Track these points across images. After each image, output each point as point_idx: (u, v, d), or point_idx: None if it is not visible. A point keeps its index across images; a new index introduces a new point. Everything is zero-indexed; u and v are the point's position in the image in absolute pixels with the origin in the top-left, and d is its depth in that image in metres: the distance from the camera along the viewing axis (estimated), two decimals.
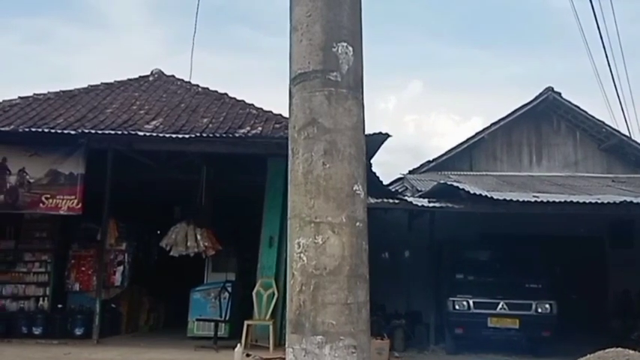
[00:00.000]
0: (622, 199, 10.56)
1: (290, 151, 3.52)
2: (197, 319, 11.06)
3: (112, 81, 13.60)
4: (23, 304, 11.49)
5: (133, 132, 10.24)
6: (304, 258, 3.24)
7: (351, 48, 3.60)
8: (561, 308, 10.86)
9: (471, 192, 10.60)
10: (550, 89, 16.40)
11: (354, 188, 3.39)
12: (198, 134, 10.12)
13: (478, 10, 55.87)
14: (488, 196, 10.41)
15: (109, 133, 10.18)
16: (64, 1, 51.47)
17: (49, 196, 10.31)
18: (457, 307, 10.91)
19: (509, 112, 16.59)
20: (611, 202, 10.43)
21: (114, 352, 9.60)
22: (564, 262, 12.57)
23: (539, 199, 10.51)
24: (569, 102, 16.55)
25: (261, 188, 10.97)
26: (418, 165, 16.68)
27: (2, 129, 10.26)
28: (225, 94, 12.91)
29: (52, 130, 10.15)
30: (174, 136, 10.08)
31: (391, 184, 15.10)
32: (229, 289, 11.08)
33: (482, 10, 55.91)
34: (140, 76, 14.06)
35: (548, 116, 16.78)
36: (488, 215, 11.28)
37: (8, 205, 10.35)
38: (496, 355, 10.57)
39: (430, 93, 59.10)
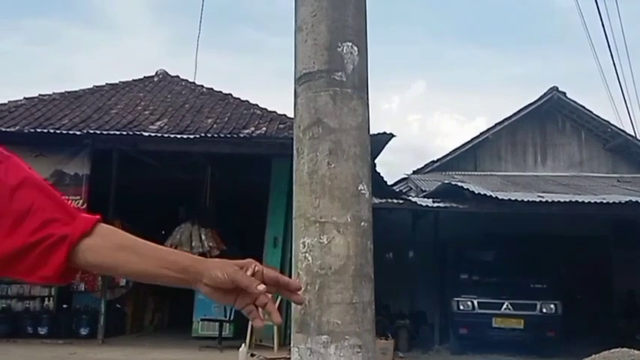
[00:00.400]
0: (627, 199, 10.53)
1: (295, 151, 3.52)
2: (201, 319, 11.06)
3: (116, 82, 13.63)
4: (29, 304, 11.51)
5: (137, 132, 10.26)
6: (309, 257, 3.24)
7: (356, 48, 3.60)
8: (566, 308, 10.83)
9: (476, 192, 10.59)
10: (555, 89, 16.36)
11: (359, 188, 3.40)
12: (202, 135, 10.13)
13: (482, 10, 55.81)
14: (493, 196, 10.40)
15: (114, 134, 10.21)
16: (69, 3, 51.64)
17: None
18: (461, 307, 10.90)
19: (513, 111, 16.56)
20: (616, 202, 10.41)
21: (119, 352, 9.61)
22: (569, 262, 12.53)
23: (544, 199, 10.50)
24: (574, 102, 16.51)
25: (265, 188, 10.98)
26: (422, 165, 16.67)
27: (8, 130, 10.29)
28: (230, 94, 12.93)
29: (58, 131, 10.18)
30: (178, 136, 10.10)
31: (395, 184, 15.09)
32: None
33: (486, 10, 55.83)
34: (145, 77, 14.09)
35: (552, 116, 16.73)
36: (492, 215, 11.27)
37: None
38: (501, 355, 10.54)
39: (434, 93, 59.09)
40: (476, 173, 15.90)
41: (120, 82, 13.66)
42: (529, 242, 11.89)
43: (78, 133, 10.16)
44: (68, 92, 12.75)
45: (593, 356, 6.11)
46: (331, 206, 3.30)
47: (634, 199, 10.45)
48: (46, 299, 11.60)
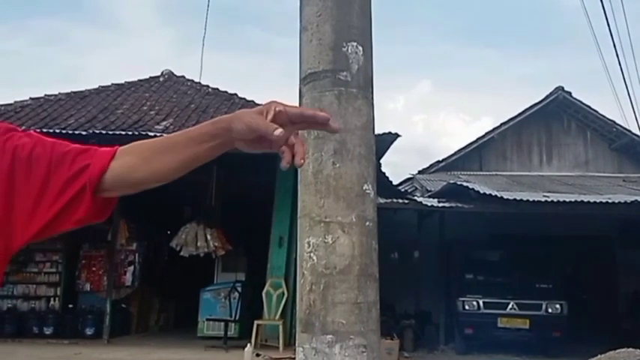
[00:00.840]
0: (633, 198, 10.50)
1: None
2: (207, 319, 11.08)
3: (122, 82, 13.66)
4: (34, 304, 11.55)
5: (143, 132, 10.28)
6: (314, 257, 3.24)
7: (360, 48, 3.60)
8: (572, 308, 10.81)
9: (481, 192, 10.58)
10: (560, 88, 16.32)
11: (364, 188, 3.40)
12: None
13: (488, 10, 55.70)
14: (498, 195, 10.38)
15: (120, 134, 10.23)
16: (76, 3, 51.78)
17: None
18: (467, 307, 10.88)
19: (519, 111, 16.53)
20: (622, 201, 10.37)
21: (124, 352, 9.64)
22: (574, 262, 12.50)
23: (549, 199, 10.48)
24: (580, 101, 16.46)
25: (271, 188, 10.99)
26: (428, 165, 16.66)
27: None
28: (235, 94, 12.95)
29: (64, 131, 10.21)
30: None
31: (401, 184, 15.09)
32: (239, 289, 11.10)
33: (491, 9, 55.74)
34: (150, 77, 14.11)
35: (558, 116, 16.69)
36: (498, 215, 11.25)
37: None
38: (506, 355, 10.52)
39: (439, 93, 59.01)
40: (481, 173, 15.87)
41: (125, 82, 13.68)
42: (535, 242, 11.87)
43: (84, 133, 10.18)
44: (74, 92, 12.78)
45: (599, 356, 6.10)
46: (336, 206, 3.30)
47: None
48: (52, 299, 11.65)
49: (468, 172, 15.63)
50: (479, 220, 11.80)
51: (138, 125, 10.86)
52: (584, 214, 11.03)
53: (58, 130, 10.22)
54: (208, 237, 11.01)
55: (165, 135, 1.13)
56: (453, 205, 10.90)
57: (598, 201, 10.43)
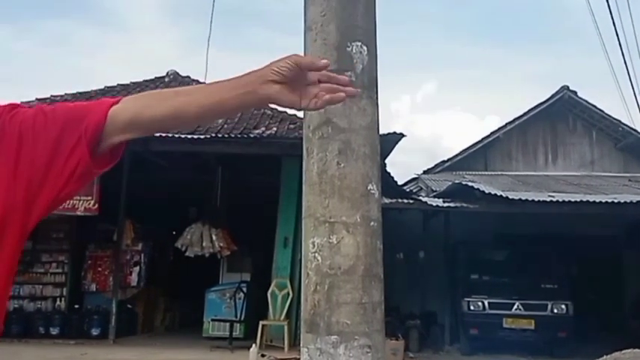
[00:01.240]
0: (639, 198, 10.46)
1: (305, 151, 3.52)
2: (212, 320, 11.09)
3: (128, 82, 13.68)
4: (40, 304, 11.58)
5: None
6: (319, 257, 3.24)
7: (365, 47, 3.60)
8: (577, 309, 10.78)
9: (486, 192, 10.56)
10: (565, 88, 16.29)
11: (369, 188, 3.40)
12: (213, 135, 10.16)
13: (493, 9, 55.59)
14: (504, 195, 10.36)
15: None
16: (83, 5, 51.90)
17: None
18: (472, 307, 10.86)
19: (524, 111, 16.50)
20: (628, 201, 10.34)
21: (130, 352, 9.65)
22: (580, 262, 12.46)
23: (554, 199, 10.45)
24: (585, 101, 16.42)
25: (275, 188, 10.99)
26: (433, 165, 16.64)
27: None
28: None
29: None
30: (189, 136, 10.13)
31: (406, 184, 15.07)
32: (244, 289, 11.11)
33: (497, 8, 55.61)
34: (156, 77, 14.12)
35: (563, 115, 16.65)
36: (503, 215, 11.24)
37: None
38: (511, 355, 10.50)
39: (445, 92, 58.86)
40: (486, 173, 15.85)
41: (131, 82, 13.70)
42: (540, 242, 11.83)
43: None
44: (80, 93, 12.80)
45: (605, 357, 6.08)
46: (341, 206, 3.30)
47: None
48: (58, 299, 11.69)
49: (473, 172, 15.60)
50: (484, 220, 11.78)
51: None
52: (589, 214, 11.00)
53: None
54: (213, 237, 11.02)
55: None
56: (458, 205, 10.89)
57: (604, 201, 10.41)
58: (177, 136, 10.17)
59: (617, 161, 16.68)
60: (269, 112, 11.79)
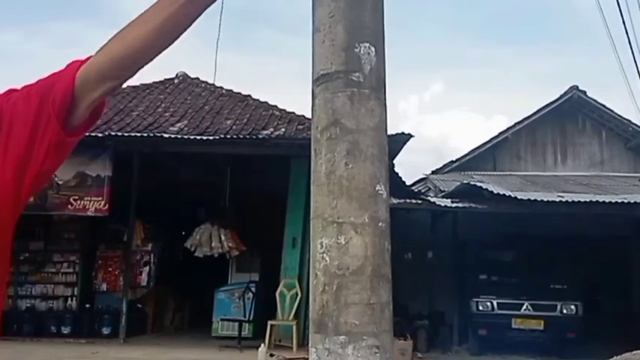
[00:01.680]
0: None
1: (313, 152, 3.54)
2: (221, 319, 11.15)
3: (137, 84, 13.77)
4: (52, 303, 11.68)
5: (158, 134, 10.37)
6: (327, 258, 3.26)
7: (373, 48, 3.61)
8: (587, 309, 10.74)
9: (495, 192, 10.55)
10: (575, 88, 16.24)
11: (377, 188, 3.41)
12: (222, 136, 10.21)
13: (500, 9, 55.41)
14: (512, 196, 10.35)
15: (135, 136, 10.32)
16: (94, 7, 52.18)
17: (77, 197, 10.47)
18: (481, 307, 10.85)
19: (533, 111, 16.46)
20: (638, 201, 10.29)
21: (140, 351, 9.72)
22: (589, 262, 12.42)
23: (564, 199, 10.43)
24: (595, 100, 16.36)
25: (284, 189, 11.03)
26: (441, 165, 16.63)
27: None
28: (249, 95, 13.01)
29: None
30: (198, 137, 10.19)
31: (414, 184, 15.07)
32: (253, 289, 11.16)
33: (504, 8, 55.43)
34: (165, 79, 14.22)
35: (573, 115, 16.59)
36: (512, 215, 11.22)
37: (37, 207, 10.52)
38: (520, 356, 10.49)
39: (453, 92, 58.73)
40: (495, 173, 15.82)
41: (141, 84, 13.79)
42: (549, 242, 11.80)
43: (100, 135, 10.28)
44: None
45: (615, 358, 6.07)
46: (349, 207, 3.31)
47: None
48: (69, 299, 11.78)
49: (482, 172, 15.58)
50: (493, 221, 11.76)
51: (153, 127, 10.95)
52: (599, 215, 10.97)
53: None
54: (222, 238, 11.08)
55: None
56: (467, 205, 10.88)
57: (613, 201, 10.37)
58: (186, 137, 10.24)
59: (627, 161, 16.61)
60: (277, 112, 11.83)
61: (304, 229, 10.40)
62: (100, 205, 10.42)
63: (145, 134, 10.35)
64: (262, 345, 8.79)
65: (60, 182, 10.52)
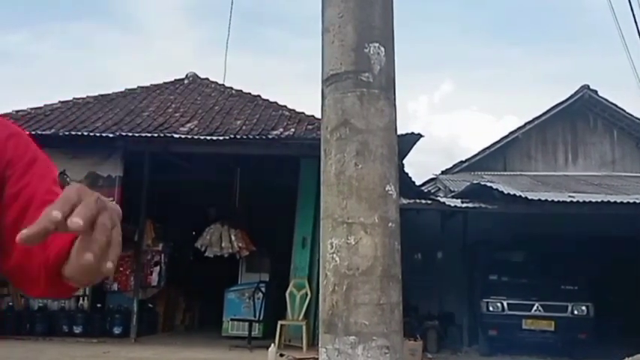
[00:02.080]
0: None
1: (322, 152, 3.55)
2: (231, 319, 11.16)
3: (148, 84, 13.84)
4: (64, 303, 11.70)
5: (168, 135, 10.41)
6: (337, 258, 3.26)
7: (382, 48, 3.61)
8: (598, 310, 10.68)
9: (505, 192, 10.51)
10: (586, 87, 16.14)
11: (387, 189, 3.41)
12: (232, 136, 10.23)
13: (510, 8, 55.19)
14: (523, 196, 10.30)
15: (146, 136, 10.37)
16: (104, 7, 52.45)
17: None
18: (491, 308, 10.81)
19: (543, 110, 16.38)
20: None
21: (151, 350, 9.76)
22: (601, 263, 12.34)
23: (575, 199, 10.37)
24: (606, 100, 16.26)
25: (294, 189, 11.04)
26: (451, 165, 16.58)
27: (44, 132, 10.52)
28: (259, 95, 13.03)
29: (91, 134, 10.38)
30: (208, 138, 10.22)
31: (424, 184, 15.04)
32: (263, 289, 11.17)
33: (514, 7, 55.22)
34: (175, 80, 14.28)
35: (584, 114, 16.50)
36: (522, 215, 11.17)
37: None
38: (530, 357, 10.44)
39: (463, 92, 58.59)
40: (505, 173, 15.75)
41: (151, 84, 13.86)
42: (560, 243, 11.74)
43: (111, 135, 10.34)
44: (101, 95, 12.98)
45: (626, 359, 6.03)
46: (358, 207, 3.32)
47: None
48: (81, 299, 11.82)
49: (492, 172, 15.51)
50: (503, 221, 11.71)
51: (163, 127, 10.99)
52: (610, 215, 10.90)
53: (86, 133, 10.40)
54: (232, 238, 11.10)
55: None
56: (477, 205, 10.84)
57: (625, 201, 10.30)
58: (196, 137, 10.28)
59: (639, 161, 16.49)
60: (287, 113, 11.85)
61: (314, 229, 10.41)
62: None
63: (156, 134, 10.39)
64: (272, 345, 8.80)
65: (72, 182, 10.57)
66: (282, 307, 10.58)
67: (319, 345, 3.35)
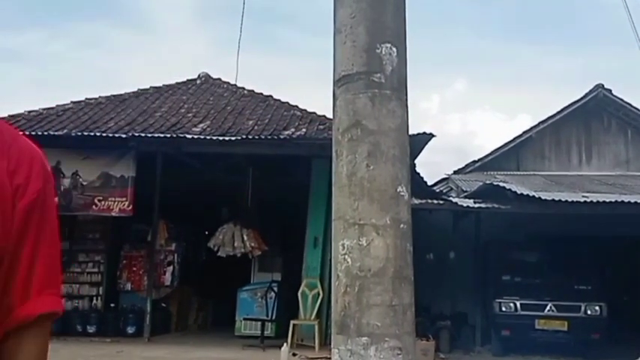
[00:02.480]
0: None
1: (334, 153, 3.54)
2: (244, 319, 11.21)
3: (160, 85, 13.89)
4: (78, 303, 11.80)
5: (181, 135, 10.46)
6: (349, 259, 3.26)
7: (394, 49, 3.59)
8: (611, 310, 10.61)
9: (518, 192, 10.46)
10: (600, 86, 16.02)
11: (398, 190, 3.40)
12: (244, 136, 10.27)
13: (523, 6, 54.87)
14: (536, 196, 10.25)
15: (158, 137, 10.42)
16: (116, 7, 52.72)
17: (101, 198, 10.60)
18: (504, 308, 10.77)
19: (557, 110, 16.28)
20: None
21: (164, 350, 9.81)
22: (615, 263, 12.26)
23: (588, 200, 10.30)
24: (620, 99, 16.13)
25: (305, 189, 11.06)
26: (463, 165, 16.52)
27: (56, 133, 10.59)
28: (270, 96, 13.05)
29: (104, 134, 10.44)
30: (220, 138, 10.25)
31: (436, 184, 15.00)
32: (275, 288, 11.19)
33: (527, 5, 54.86)
34: (188, 80, 14.33)
35: (598, 114, 16.38)
36: (535, 216, 11.11)
37: (62, 207, 10.64)
38: (543, 357, 10.40)
39: (475, 91, 58.33)
40: (518, 173, 15.67)
41: (164, 85, 13.92)
42: (573, 243, 11.67)
43: (123, 136, 10.39)
44: (114, 96, 13.05)
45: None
46: (370, 208, 3.31)
47: None
48: (94, 298, 11.91)
49: (505, 172, 15.44)
50: (516, 221, 11.66)
51: (176, 128, 11.04)
52: (624, 215, 10.82)
53: (98, 133, 10.46)
54: (245, 237, 11.13)
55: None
56: (489, 205, 10.80)
57: (639, 201, 10.22)
58: (208, 137, 10.32)
59: None
60: (298, 113, 11.86)
61: (326, 229, 10.42)
62: (124, 205, 10.53)
63: (168, 135, 10.44)
64: (285, 344, 8.82)
65: (84, 183, 10.66)
66: (295, 306, 10.60)
67: (332, 346, 3.35)
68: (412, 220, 3.51)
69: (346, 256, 3.28)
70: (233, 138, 10.23)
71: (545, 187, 12.75)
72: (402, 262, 3.31)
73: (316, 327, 10.00)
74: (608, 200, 10.21)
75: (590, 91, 16.08)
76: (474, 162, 16.37)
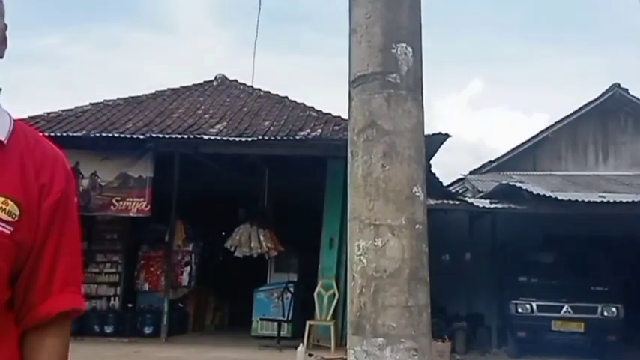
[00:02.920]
0: None
1: (349, 154, 3.56)
2: (260, 319, 11.25)
3: (177, 86, 14.01)
4: (95, 303, 11.90)
5: (198, 136, 10.54)
6: (364, 260, 3.27)
7: (410, 49, 3.59)
8: (628, 312, 10.52)
9: (535, 193, 10.40)
10: (617, 85, 15.88)
11: (414, 190, 3.40)
12: (260, 137, 10.32)
13: (541, 5, 54.48)
14: (553, 196, 10.19)
15: (176, 138, 10.51)
16: (134, 9, 53.09)
17: (119, 198, 10.70)
18: (520, 309, 10.72)
19: (574, 109, 16.16)
20: None
21: (181, 350, 9.88)
22: (632, 264, 12.15)
23: (605, 200, 10.23)
24: (637, 98, 15.96)
25: (321, 190, 11.09)
26: (479, 165, 16.45)
27: (75, 134, 10.71)
28: (286, 97, 13.11)
29: (122, 135, 10.55)
30: (237, 139, 10.32)
31: (452, 184, 14.95)
32: (291, 289, 11.23)
33: (545, 4, 54.47)
34: (204, 81, 14.43)
35: (614, 113, 16.24)
36: (552, 216, 11.05)
37: (81, 208, 10.61)
38: (560, 358, 10.33)
39: (492, 90, 58.03)
40: (535, 173, 15.57)
41: (181, 86, 14.03)
42: (590, 244, 11.59)
43: (141, 137, 10.49)
44: (132, 97, 13.18)
45: None
46: (386, 209, 3.32)
47: None
48: (112, 298, 12.00)
49: (521, 173, 15.34)
50: (532, 221, 11.60)
51: (193, 129, 11.13)
52: None
53: (117, 134, 10.57)
54: (261, 238, 11.18)
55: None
56: (506, 206, 10.76)
57: None
58: (225, 138, 10.39)
59: None
60: (314, 114, 11.90)
61: (341, 229, 10.44)
62: (141, 205, 10.62)
63: (186, 136, 10.53)
64: (301, 345, 8.85)
65: (103, 184, 10.77)
66: (311, 307, 10.63)
67: (347, 346, 3.37)
68: (428, 221, 3.52)
69: (362, 257, 3.29)
70: (249, 139, 10.29)
71: (562, 188, 12.67)
72: (418, 263, 3.32)
73: (332, 327, 10.02)
74: (625, 200, 10.13)
75: (607, 91, 15.95)
76: (490, 162, 16.30)
